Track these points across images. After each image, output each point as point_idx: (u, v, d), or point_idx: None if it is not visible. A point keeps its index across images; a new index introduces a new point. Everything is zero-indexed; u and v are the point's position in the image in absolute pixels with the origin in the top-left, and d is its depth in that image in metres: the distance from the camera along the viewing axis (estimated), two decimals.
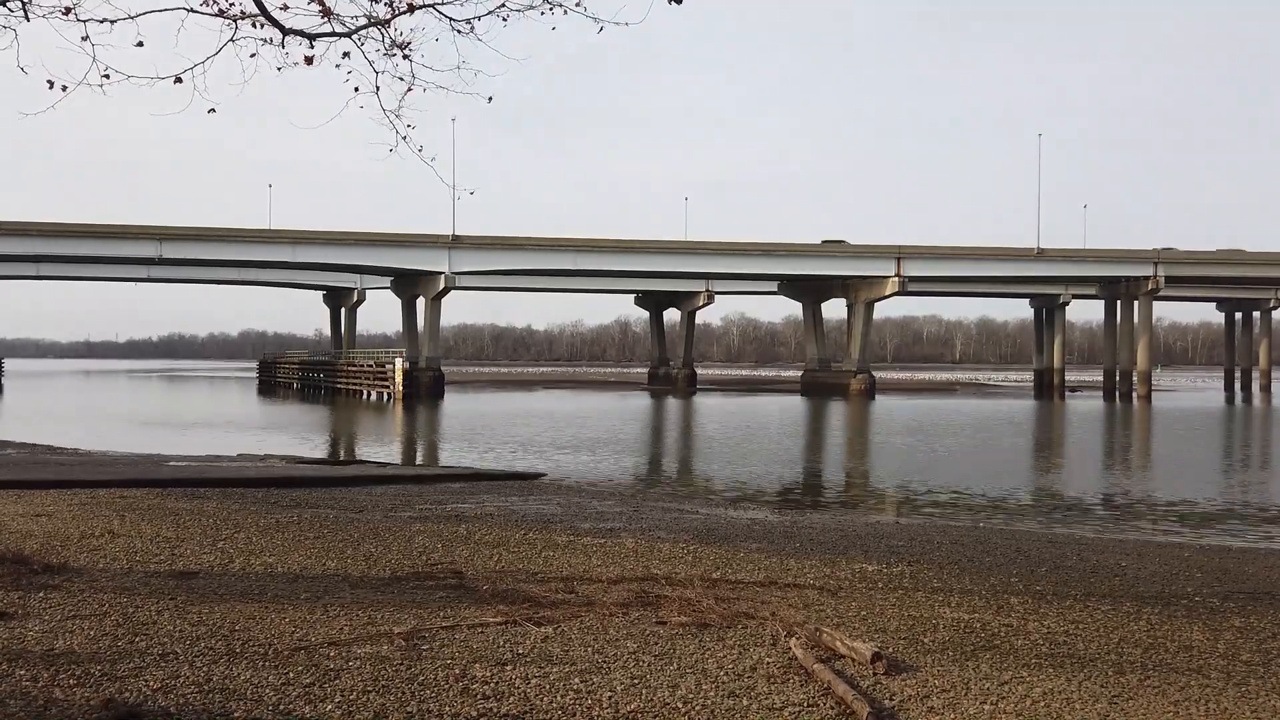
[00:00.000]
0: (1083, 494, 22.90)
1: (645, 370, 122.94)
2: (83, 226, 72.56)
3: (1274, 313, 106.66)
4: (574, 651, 7.61)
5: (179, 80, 8.77)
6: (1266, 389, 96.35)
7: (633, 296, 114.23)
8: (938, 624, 8.96)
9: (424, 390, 71.23)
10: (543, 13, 8.88)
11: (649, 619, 8.68)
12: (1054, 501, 21.69)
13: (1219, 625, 9.43)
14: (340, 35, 9.00)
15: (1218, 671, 7.74)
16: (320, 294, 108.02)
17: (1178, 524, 18.52)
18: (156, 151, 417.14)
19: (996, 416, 55.54)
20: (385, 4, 8.98)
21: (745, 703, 6.56)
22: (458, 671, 7.00)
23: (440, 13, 8.95)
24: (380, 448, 34.50)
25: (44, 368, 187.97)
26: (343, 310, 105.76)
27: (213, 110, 9.16)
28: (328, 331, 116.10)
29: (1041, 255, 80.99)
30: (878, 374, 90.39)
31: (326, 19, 8.83)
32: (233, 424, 46.29)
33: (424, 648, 7.58)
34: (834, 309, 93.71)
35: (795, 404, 68.21)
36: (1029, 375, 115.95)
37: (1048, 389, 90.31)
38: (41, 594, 9.02)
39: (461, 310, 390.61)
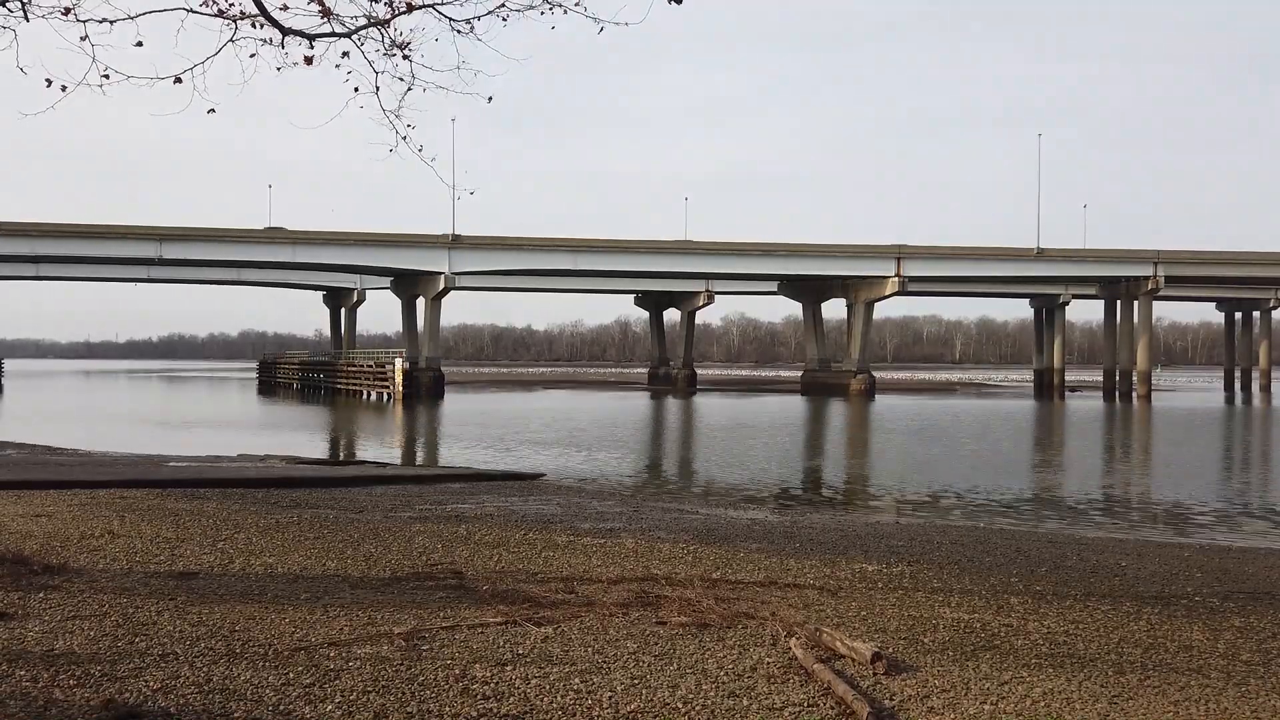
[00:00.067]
0: (1082, 494, 22.89)
1: (645, 370, 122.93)
2: (83, 226, 72.54)
3: (1274, 313, 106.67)
4: (574, 651, 7.61)
5: (179, 80, 8.77)
6: (1266, 389, 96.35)
7: (633, 296, 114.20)
8: (938, 624, 8.96)
9: (424, 390, 71.21)
10: (542, 13, 8.88)
11: (649, 619, 8.68)
12: (1054, 502, 21.68)
13: (1219, 625, 9.43)
14: (340, 35, 9.00)
15: (1218, 671, 7.74)
16: (320, 294, 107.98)
17: (1178, 524, 18.52)
18: (156, 151, 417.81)
19: (996, 417, 55.54)
20: (385, 4, 8.98)
21: (745, 703, 6.56)
22: (458, 671, 7.00)
23: (440, 13, 8.95)
24: (380, 448, 34.50)
25: (44, 368, 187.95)
26: (343, 310, 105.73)
27: (212, 110, 9.16)
28: (328, 332, 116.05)
29: (1041, 255, 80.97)
30: (878, 374, 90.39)
31: (326, 19, 8.83)
32: (233, 424, 46.31)
33: (424, 648, 7.58)
34: (834, 309, 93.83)
35: (795, 404, 68.20)
36: (1029, 375, 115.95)
37: (1048, 389, 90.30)
38: (41, 594, 9.02)
39: (461, 310, 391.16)
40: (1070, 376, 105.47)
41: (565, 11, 8.89)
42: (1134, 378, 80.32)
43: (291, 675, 6.82)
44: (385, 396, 70.36)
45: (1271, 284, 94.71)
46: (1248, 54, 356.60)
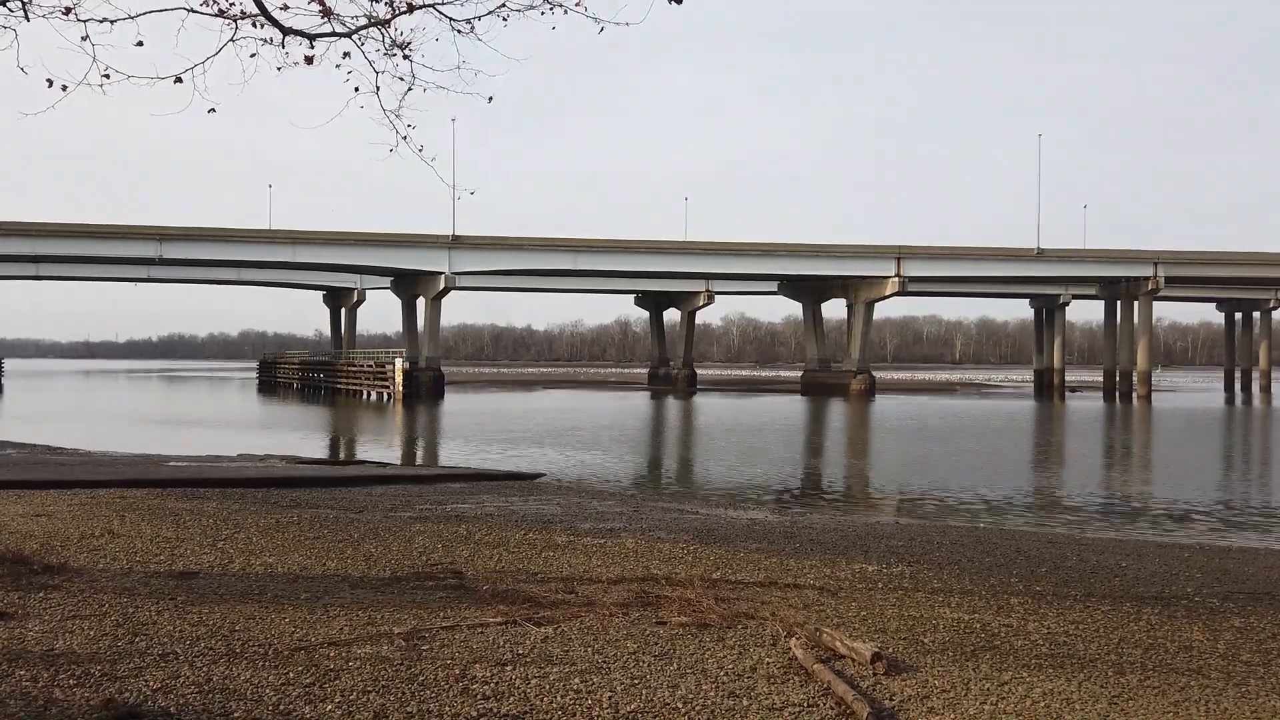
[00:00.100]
0: (1082, 494, 22.89)
1: (645, 370, 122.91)
2: (83, 226, 72.55)
3: (1274, 313, 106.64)
4: (574, 652, 7.60)
5: (179, 80, 8.77)
6: (1266, 389, 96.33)
7: (633, 296, 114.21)
8: (938, 624, 8.96)
9: (424, 390, 71.21)
10: (543, 13, 8.88)
11: (649, 619, 8.68)
12: (1054, 502, 21.69)
13: (1219, 625, 9.42)
14: (340, 35, 9.01)
15: (1218, 671, 7.74)
16: (320, 294, 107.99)
17: (1178, 524, 18.52)
18: (157, 151, 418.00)
19: (997, 417, 55.53)
20: (385, 4, 8.98)
21: (745, 703, 6.56)
22: (458, 671, 7.00)
23: (440, 13, 8.95)
24: (380, 448, 34.50)
25: (44, 368, 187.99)
26: (343, 310, 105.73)
27: (213, 110, 9.16)
28: (328, 332, 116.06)
29: (1041, 255, 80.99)
30: (877, 374, 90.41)
31: (326, 19, 8.83)
32: (232, 424, 46.30)
33: (424, 648, 7.57)
34: (834, 309, 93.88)
35: (795, 404, 68.20)
36: (1029, 375, 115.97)
37: (1048, 389, 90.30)
38: (41, 594, 9.01)
39: (461, 310, 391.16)
40: (1070, 377, 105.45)
41: (565, 12, 8.90)
42: (1134, 378, 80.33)
43: (291, 675, 6.82)
44: (385, 396, 70.36)
45: (1271, 284, 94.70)
46: (1248, 54, 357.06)
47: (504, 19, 8.90)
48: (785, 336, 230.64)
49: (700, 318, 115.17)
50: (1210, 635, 8.98)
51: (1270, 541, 16.76)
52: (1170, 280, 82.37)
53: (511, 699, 6.49)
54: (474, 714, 6.22)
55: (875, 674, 7.19)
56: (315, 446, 34.29)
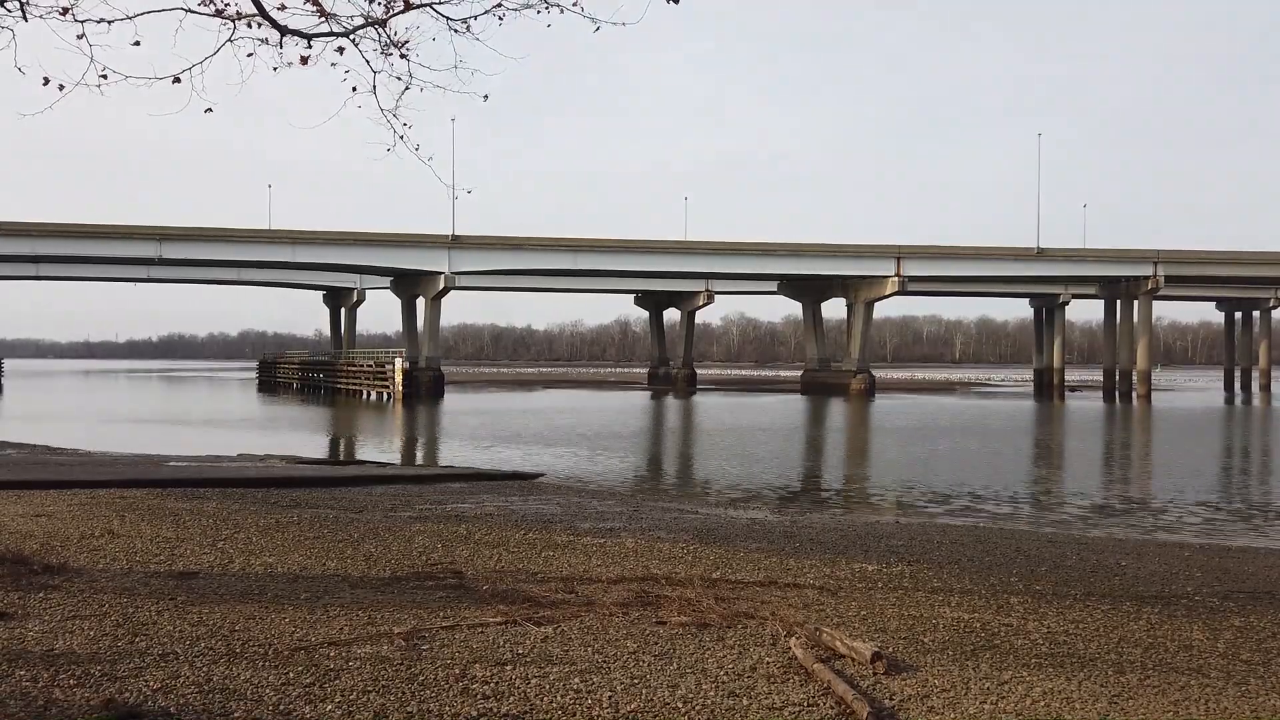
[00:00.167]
0: (1082, 494, 22.88)
1: (645, 370, 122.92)
2: (83, 226, 72.53)
3: (1274, 312, 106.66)
4: (574, 651, 7.60)
5: (177, 80, 8.77)
6: (1266, 388, 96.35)
7: (633, 296, 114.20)
8: (938, 624, 8.96)
9: (424, 390, 71.21)
10: (539, 11, 8.89)
11: (649, 619, 8.67)
12: (1054, 501, 21.68)
13: (1219, 625, 9.42)
14: (337, 35, 9.00)
15: (1218, 671, 7.74)
16: (320, 294, 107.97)
17: (1178, 524, 18.52)
18: (156, 151, 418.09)
19: (996, 416, 55.53)
20: (381, 4, 8.98)
21: (745, 702, 6.55)
22: (458, 671, 7.00)
23: (437, 12, 8.96)
24: (380, 448, 34.50)
25: (44, 368, 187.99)
26: (343, 310, 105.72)
27: (210, 110, 9.16)
28: (328, 331, 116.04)
29: (1041, 255, 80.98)
30: (877, 373, 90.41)
31: (323, 19, 8.83)
32: (232, 424, 46.30)
33: (424, 648, 7.57)
34: (834, 309, 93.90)
35: (795, 403, 68.19)
36: (1029, 375, 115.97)
37: (1047, 389, 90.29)
38: (41, 594, 9.01)
39: (461, 310, 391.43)
40: (1070, 376, 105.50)
41: (562, 11, 8.90)
42: (1134, 377, 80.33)
43: (291, 675, 6.82)
44: (385, 396, 70.36)
45: (1271, 284, 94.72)
46: (1248, 54, 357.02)
47: (500, 18, 8.91)
48: (785, 336, 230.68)
49: (700, 317, 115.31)
50: (1210, 634, 8.98)
51: (1270, 541, 16.75)
52: (1170, 280, 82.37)
53: (511, 699, 6.49)
54: (474, 714, 6.22)
55: (875, 673, 7.19)
56: (315, 446, 34.29)
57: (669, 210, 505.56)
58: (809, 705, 6.51)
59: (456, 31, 9.02)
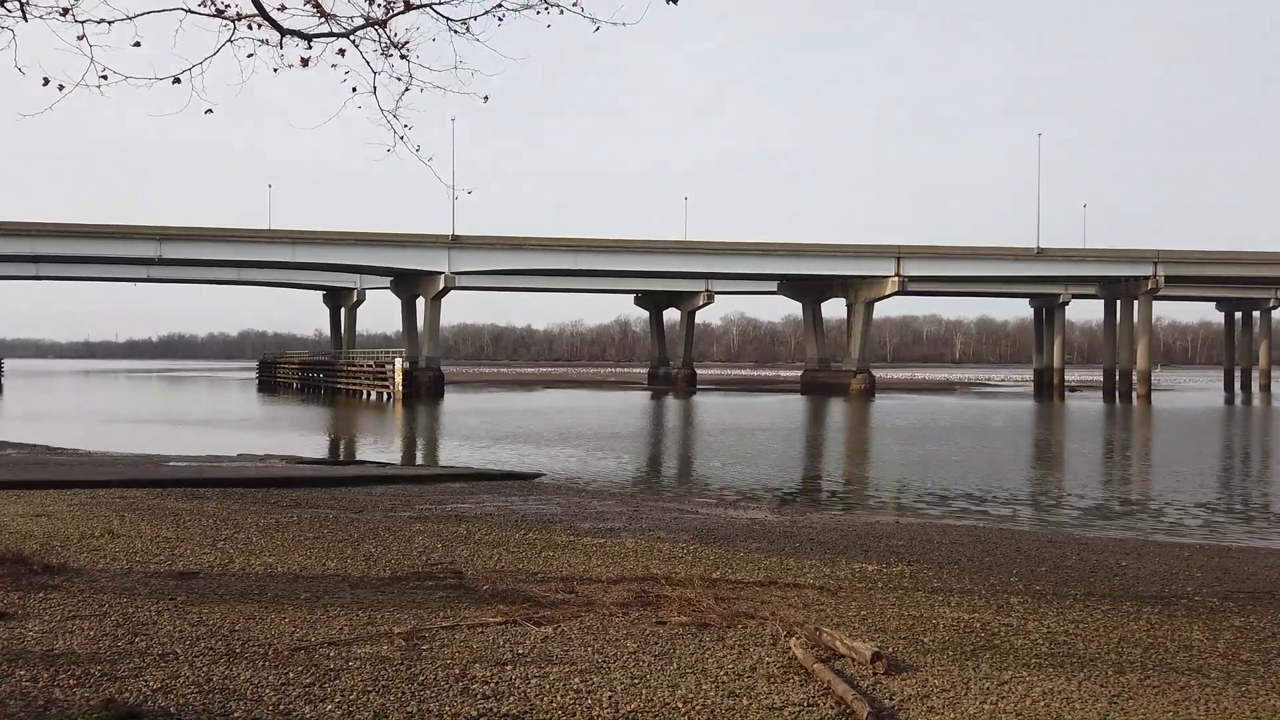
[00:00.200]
0: (1082, 494, 22.87)
1: (645, 370, 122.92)
2: (83, 226, 72.53)
3: (1274, 312, 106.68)
4: (574, 651, 7.60)
5: (177, 81, 8.77)
6: (1266, 389, 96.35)
7: (633, 296, 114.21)
8: (938, 624, 8.96)
9: (424, 390, 71.21)
10: (539, 12, 8.89)
11: (649, 619, 8.68)
12: (1053, 501, 21.67)
13: (1219, 625, 9.42)
14: (337, 36, 9.01)
15: (1218, 671, 7.74)
16: (320, 294, 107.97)
17: (1178, 524, 18.52)
18: (156, 151, 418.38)
19: (996, 416, 55.53)
20: (381, 4, 8.98)
21: (745, 702, 6.55)
22: (458, 671, 7.00)
23: (436, 13, 8.96)
24: (380, 448, 34.50)
25: (44, 368, 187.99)
26: (343, 310, 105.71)
27: (210, 111, 9.16)
28: (328, 331, 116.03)
29: (1041, 255, 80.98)
30: (877, 373, 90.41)
31: (324, 20, 8.83)
32: (232, 424, 46.29)
33: (424, 648, 7.57)
34: (834, 309, 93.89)
35: (795, 403, 68.19)
36: (1029, 375, 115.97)
37: (1047, 389, 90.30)
38: (41, 594, 9.01)
39: (461, 310, 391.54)
40: (1070, 376, 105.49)
41: (561, 11, 8.90)
42: (1134, 377, 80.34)
43: (291, 675, 6.82)
44: (385, 396, 70.35)
45: (1271, 284, 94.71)
46: (1248, 54, 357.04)
47: (499, 19, 8.91)
48: (785, 336, 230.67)
49: (700, 317, 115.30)
50: (1210, 634, 8.98)
51: (1270, 541, 16.75)
52: (1170, 280, 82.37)
53: (511, 699, 6.49)
54: (474, 714, 6.22)
55: (875, 673, 7.19)
56: (315, 446, 34.28)
57: (669, 210, 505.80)
58: (809, 705, 6.51)
59: (456, 32, 9.03)
